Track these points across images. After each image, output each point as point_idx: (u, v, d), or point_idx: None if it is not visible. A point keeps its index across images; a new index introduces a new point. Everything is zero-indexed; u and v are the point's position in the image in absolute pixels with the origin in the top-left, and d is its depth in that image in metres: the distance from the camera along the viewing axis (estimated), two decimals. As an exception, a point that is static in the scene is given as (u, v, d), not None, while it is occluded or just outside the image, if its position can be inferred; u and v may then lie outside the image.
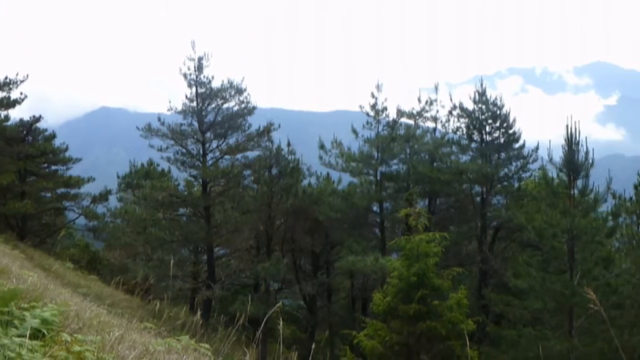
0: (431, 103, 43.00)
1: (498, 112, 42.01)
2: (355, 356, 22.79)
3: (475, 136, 42.39)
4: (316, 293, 42.52)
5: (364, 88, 49.35)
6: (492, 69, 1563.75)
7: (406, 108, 42.94)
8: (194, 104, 38.59)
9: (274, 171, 40.79)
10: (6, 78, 40.89)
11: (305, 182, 43.21)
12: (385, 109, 41.91)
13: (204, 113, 38.82)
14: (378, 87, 41.86)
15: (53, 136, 45.06)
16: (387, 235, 41.43)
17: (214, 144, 39.97)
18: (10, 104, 41.67)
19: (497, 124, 42.03)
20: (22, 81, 41.60)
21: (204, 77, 38.45)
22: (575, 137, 30.63)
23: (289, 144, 41.73)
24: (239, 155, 40.05)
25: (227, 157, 40.13)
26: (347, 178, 43.61)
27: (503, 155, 42.25)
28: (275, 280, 41.72)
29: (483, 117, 41.90)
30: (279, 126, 41.16)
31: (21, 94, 41.67)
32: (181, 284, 40.64)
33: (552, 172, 32.67)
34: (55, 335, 6.65)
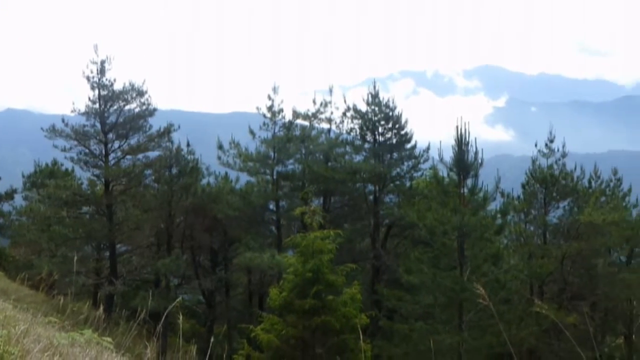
0: (326, 105, 43.35)
1: (390, 113, 42.49)
2: (253, 349, 22.78)
3: (369, 137, 42.82)
4: (215, 288, 42.55)
5: (260, 90, 49.48)
6: (384, 72, 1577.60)
7: (301, 110, 43.34)
8: (97, 105, 38.23)
9: (174, 171, 40.93)
10: None
11: (204, 181, 43.23)
12: (281, 110, 42.20)
13: (106, 114, 38.49)
14: (274, 90, 42.11)
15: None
16: (283, 232, 41.71)
17: (116, 144, 39.65)
18: None
19: (390, 125, 42.51)
20: None
21: (106, 79, 38.12)
22: (465, 138, 31.06)
23: (188, 145, 41.92)
24: (140, 155, 39.80)
25: (128, 157, 39.84)
26: (244, 177, 43.70)
27: (395, 155, 42.77)
28: (175, 276, 41.81)
29: (376, 118, 42.35)
30: (179, 127, 41.08)
31: None
32: (84, 280, 40.19)
33: (443, 172, 33.14)
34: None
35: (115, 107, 38.92)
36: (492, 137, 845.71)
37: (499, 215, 35.81)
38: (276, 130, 41.92)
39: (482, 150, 31.96)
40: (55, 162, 51.84)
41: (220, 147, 42.18)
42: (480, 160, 31.38)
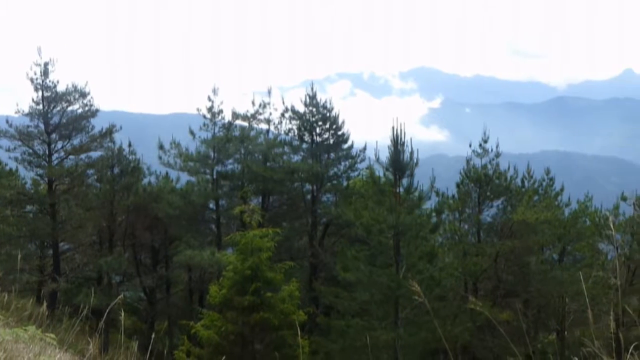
0: (264, 106, 43.37)
1: (328, 114, 42.68)
2: (193, 345, 22.84)
3: (306, 137, 42.96)
4: (156, 285, 42.55)
5: (200, 91, 49.50)
6: (322, 74, 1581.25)
7: (241, 111, 43.23)
8: (40, 107, 37.98)
9: (116, 170, 40.83)
10: None
11: (145, 180, 43.15)
12: (221, 111, 42.17)
13: (49, 115, 38.24)
14: (214, 91, 42.06)
15: None
16: (223, 231, 41.66)
17: (59, 144, 39.39)
18: None
19: (327, 125, 42.69)
20: None
21: (49, 81, 37.88)
22: (401, 138, 31.11)
23: (129, 145, 41.81)
24: (82, 156, 39.63)
25: (71, 157, 39.63)
26: (185, 177, 43.65)
27: (332, 155, 42.95)
28: (117, 274, 41.58)
29: (314, 119, 42.52)
30: (121, 128, 41.04)
31: None
32: (28, 277, 40.12)
33: (379, 171, 33.22)
34: None
35: (58, 108, 38.69)
36: (427, 137, 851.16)
37: (434, 214, 36.17)
38: (216, 131, 41.89)
39: (418, 150, 32.06)
40: (-1, 162, 51.49)
41: (161, 147, 42.12)
42: (415, 160, 31.50)
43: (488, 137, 39.50)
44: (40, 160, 39.10)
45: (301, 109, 42.78)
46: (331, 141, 42.81)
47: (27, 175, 42.96)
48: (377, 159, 31.90)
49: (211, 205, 43.17)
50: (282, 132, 43.43)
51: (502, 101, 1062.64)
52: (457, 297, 36.94)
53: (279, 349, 22.17)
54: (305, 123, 42.59)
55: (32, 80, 37.97)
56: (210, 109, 41.91)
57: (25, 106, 38.38)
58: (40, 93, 38.09)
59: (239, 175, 42.08)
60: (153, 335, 13.63)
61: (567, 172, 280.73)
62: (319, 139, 42.73)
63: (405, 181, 31.77)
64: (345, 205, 38.47)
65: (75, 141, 39.64)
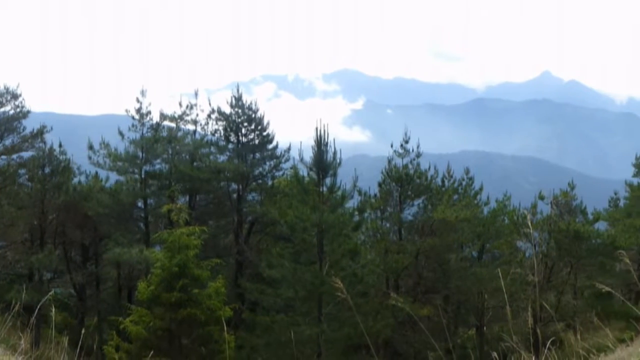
0: (191, 107, 43.39)
1: (253, 115, 42.87)
2: (122, 340, 22.78)
3: (232, 138, 43.07)
4: (86, 282, 42.38)
5: (130, 93, 49.38)
6: (247, 76, 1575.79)
7: (168, 112, 43.24)
8: (-28, 108, 37.82)
9: (47, 170, 40.54)
10: None
11: (75, 180, 42.99)
12: (149, 112, 42.12)
13: (-19, 116, 38.11)
14: (142, 93, 42.00)
15: None
16: (151, 229, 41.65)
17: (-9, 145, 39.30)
18: None
19: (252, 126, 42.88)
20: None
21: (-19, 83, 37.72)
22: (324, 139, 31.41)
23: (60, 145, 41.55)
24: (14, 156, 39.49)
25: (3, 157, 39.46)
26: (114, 176, 43.49)
27: (258, 155, 43.13)
28: (48, 271, 41.40)
29: (239, 120, 42.66)
30: (51, 128, 40.96)
31: None
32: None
33: (303, 171, 33.40)
34: None
35: (-10, 109, 38.51)
36: (350, 138, 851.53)
37: (356, 213, 36.33)
38: (144, 132, 41.80)
39: (341, 150, 32.39)
40: None
41: (91, 147, 41.89)
42: (338, 160, 31.81)
43: (409, 138, 39.83)
44: (-28, 160, 38.85)
45: (227, 110, 42.94)
46: (256, 142, 43.00)
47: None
48: (301, 159, 32.17)
49: (139, 204, 43.07)
50: (209, 132, 43.54)
51: (423, 103, 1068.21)
52: (379, 294, 37.11)
53: (206, 344, 22.26)
54: (231, 124, 42.71)
55: (-35, 82, 37.69)
56: (138, 110, 41.82)
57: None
58: (-28, 95, 37.84)
59: (166, 175, 42.04)
60: (83, 331, 13.77)
61: (486, 171, 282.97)
62: (244, 139, 42.89)
63: (328, 180, 32.05)
64: (270, 204, 38.72)
65: (7, 142, 39.48)
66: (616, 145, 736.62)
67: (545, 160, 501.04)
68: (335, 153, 31.72)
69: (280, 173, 44.17)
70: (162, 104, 50.26)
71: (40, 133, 39.88)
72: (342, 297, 8.48)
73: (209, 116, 43.30)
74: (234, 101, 42.88)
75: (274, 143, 43.44)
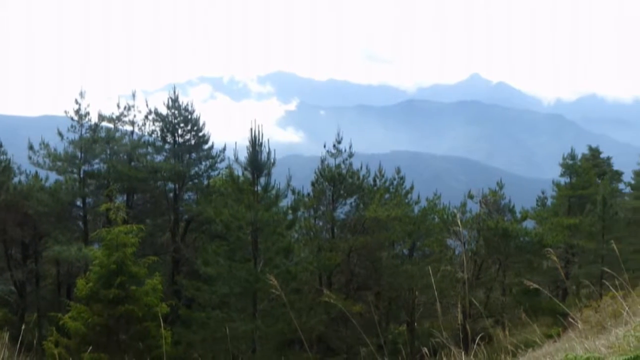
0: (129, 109, 43.22)
1: (189, 117, 42.84)
2: (61, 336, 22.76)
3: (169, 138, 42.98)
4: (26, 279, 42.09)
5: (69, 94, 49.09)
6: (184, 78, 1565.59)
7: (107, 113, 43.10)
8: None
9: (-12, 170, 40.31)
10: None
11: (15, 179, 42.63)
12: (88, 113, 41.94)
13: None
14: (81, 94, 41.79)
15: None
16: (90, 227, 41.42)
17: None
18: None
19: (189, 127, 42.85)
20: None
21: None
22: (259, 139, 31.62)
23: (0, 145, 41.50)
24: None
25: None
26: (53, 176, 43.27)
27: (194, 155, 43.11)
28: (-12, 268, 41.22)
29: (176, 121, 42.59)
30: (-8, 130, 40.87)
31: None
32: None
33: (238, 171, 33.63)
34: None
35: None
36: (284, 138, 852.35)
37: (290, 211, 36.64)
38: (83, 132, 41.62)
39: (275, 150, 32.65)
40: None
41: (31, 147, 41.60)
42: (272, 160, 32.06)
43: (341, 138, 40.05)
44: None
45: (164, 111, 42.85)
46: (192, 142, 43.00)
47: None
48: (236, 159, 32.36)
49: (78, 203, 42.90)
50: (146, 133, 43.43)
51: (355, 104, 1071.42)
52: (312, 290, 37.29)
53: (143, 339, 22.33)
54: (168, 125, 42.66)
55: None
56: (77, 112, 41.63)
57: None
58: None
59: (104, 175, 41.90)
60: (23, 327, 13.80)
61: (417, 171, 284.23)
62: (180, 140, 42.86)
63: (262, 180, 32.31)
64: (206, 203, 38.66)
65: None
66: (543, 145, 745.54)
67: (474, 160, 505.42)
68: (269, 153, 31.98)
69: (216, 173, 44.16)
70: (100, 105, 50.12)
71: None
72: (276, 293, 8.66)
73: (146, 117, 43.23)
74: (170, 102, 42.85)
75: (210, 143, 43.48)
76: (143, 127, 43.53)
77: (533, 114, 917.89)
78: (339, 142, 40.02)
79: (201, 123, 43.23)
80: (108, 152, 41.95)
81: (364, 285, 40.75)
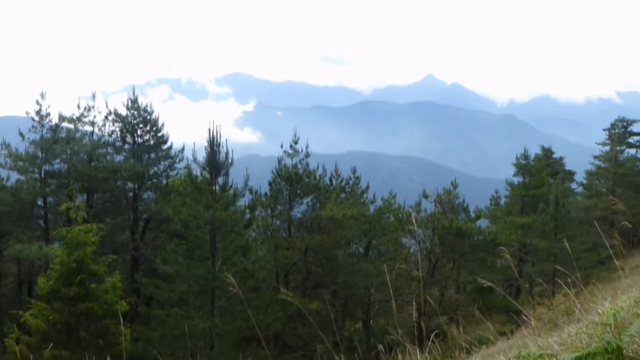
0: (89, 109, 43.27)
1: (148, 117, 42.89)
2: (22, 334, 22.77)
3: (128, 139, 42.97)
4: (-13, 278, 42.05)
5: (30, 95, 49.00)
6: (143, 79, 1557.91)
7: (67, 114, 43.13)
8: None
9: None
10: None
11: (-24, 179, 42.55)
12: (48, 114, 42.11)
13: None
14: (42, 95, 41.89)
15: None
16: (50, 226, 41.48)
17: None
18: None
19: (148, 128, 42.89)
20: None
21: None
22: (217, 140, 31.73)
23: (-40, 146, 41.22)
24: None
25: None
26: (14, 176, 43.11)
27: (153, 155, 43.16)
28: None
29: (135, 122, 42.60)
30: (-47, 130, 40.57)
31: None
32: None
33: (197, 171, 33.66)
34: None
35: None
36: (241, 139, 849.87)
37: (247, 211, 36.69)
38: (44, 133, 41.71)
39: (232, 151, 32.76)
40: None
41: (-7, 148, 41.61)
42: (230, 160, 32.18)
43: (298, 139, 40.13)
44: None
45: (123, 112, 42.86)
46: (151, 142, 43.07)
47: None
48: (195, 159, 32.47)
49: (39, 202, 42.97)
50: (106, 134, 43.43)
51: (312, 105, 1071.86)
52: (270, 288, 37.37)
53: (103, 336, 22.37)
54: (127, 125, 42.65)
55: None
56: (38, 112, 41.72)
57: None
58: None
59: (65, 174, 41.91)
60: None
61: (372, 171, 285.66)
62: (140, 140, 42.89)
63: (220, 180, 32.42)
64: (165, 202, 38.72)
65: None
66: (497, 145, 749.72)
67: (428, 160, 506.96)
68: (227, 153, 32.10)
69: (175, 173, 44.22)
70: (61, 106, 49.90)
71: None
72: (234, 291, 8.64)
73: (106, 118, 43.23)
74: (130, 103, 42.85)
75: (169, 144, 43.56)
76: (103, 128, 43.58)
77: (486, 114, 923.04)
78: (296, 142, 40.12)
79: (160, 124, 43.32)
80: (68, 152, 41.95)
81: (321, 283, 40.80)
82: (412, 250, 45.24)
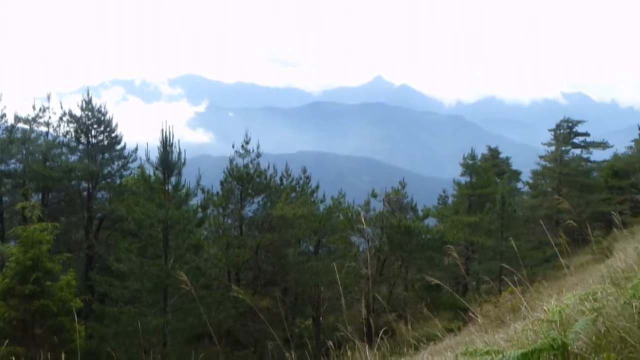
0: (44, 110, 42.98)
1: (102, 118, 42.70)
2: (-22, 331, 22.73)
3: (83, 139, 42.74)
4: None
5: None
6: (97, 81, 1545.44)
7: (22, 114, 42.83)
8: None
9: None
10: None
11: None
12: (4, 115, 41.87)
13: None
14: (-3, 96, 41.62)
15: None
16: (6, 225, 41.01)
17: None
18: None
19: (102, 128, 42.72)
20: None
21: None
22: (169, 140, 31.69)
23: None
24: None
25: None
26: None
27: (107, 155, 43.00)
28: None
29: (89, 122, 42.40)
30: None
31: None
32: None
33: (150, 170, 33.57)
34: None
35: None
36: (194, 139, 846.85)
37: (199, 210, 36.65)
38: (0, 133, 41.36)
39: (185, 151, 32.76)
40: None
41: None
42: (183, 160, 32.18)
43: (249, 139, 40.22)
44: None
45: (78, 113, 42.62)
46: (105, 143, 42.89)
47: None
48: (148, 159, 32.43)
49: (-5, 202, 42.60)
50: (61, 134, 43.16)
51: (263, 106, 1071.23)
52: (221, 286, 37.30)
53: (58, 333, 22.42)
54: (82, 126, 42.44)
55: None
56: (-6, 113, 41.45)
57: None
58: None
59: (20, 174, 41.59)
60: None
61: (323, 171, 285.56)
62: (94, 140, 42.70)
63: (173, 179, 32.42)
64: (119, 201, 38.53)
65: None
66: (444, 145, 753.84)
67: (378, 160, 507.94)
68: (179, 153, 32.10)
69: (128, 172, 44.02)
70: (16, 107, 49.53)
71: None
72: (187, 289, 8.68)
73: (60, 119, 42.97)
74: (84, 104, 42.65)
75: (122, 144, 43.39)
76: (58, 128, 43.32)
77: (434, 115, 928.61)
78: (247, 143, 40.22)
79: (114, 124, 43.15)
80: (24, 152, 41.67)
81: (271, 281, 40.81)
82: (361, 249, 45.39)
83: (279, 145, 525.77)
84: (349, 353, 8.30)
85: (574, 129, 71.08)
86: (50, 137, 43.20)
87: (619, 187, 68.17)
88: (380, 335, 8.74)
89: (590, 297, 5.85)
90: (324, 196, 43.60)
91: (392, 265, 45.92)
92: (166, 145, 31.68)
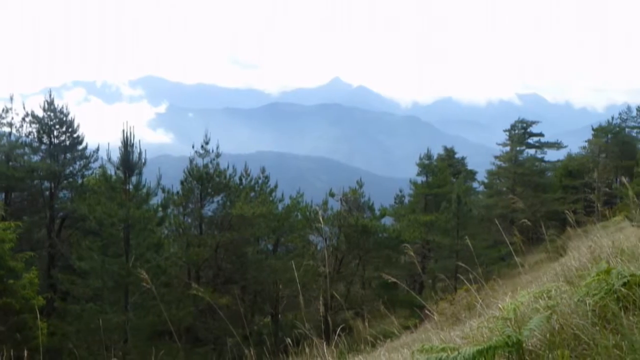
0: (7, 111, 42.67)
1: (64, 119, 42.44)
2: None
3: (45, 139, 42.48)
4: None
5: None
6: (59, 82, 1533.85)
7: (-16, 116, 42.66)
8: None
9: None
10: None
11: None
12: (-32, 116, 41.58)
13: None
14: (-39, 97, 41.37)
15: None
16: (-31, 224, 40.91)
17: None
18: None
19: (64, 129, 42.46)
20: None
21: None
22: (130, 140, 31.81)
23: None
24: None
25: None
26: None
27: (69, 155, 42.72)
28: None
29: (51, 123, 42.15)
30: None
31: None
32: None
33: (111, 170, 33.76)
34: None
35: None
36: (154, 140, 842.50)
37: (160, 209, 36.71)
38: (-38, 135, 41.20)
39: (146, 151, 32.91)
40: None
41: None
42: (143, 160, 32.32)
43: (209, 139, 40.31)
44: None
45: (40, 114, 42.36)
46: (67, 143, 42.63)
47: None
48: (109, 159, 32.49)
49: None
50: (23, 134, 42.87)
51: (222, 107, 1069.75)
52: (181, 284, 37.31)
53: (20, 331, 22.36)
54: (44, 127, 42.18)
55: None
56: (-43, 114, 41.16)
57: None
58: None
59: (-17, 175, 41.43)
60: None
61: (281, 170, 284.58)
62: (56, 141, 42.45)
63: (134, 179, 32.58)
64: (80, 200, 38.41)
65: None
66: (401, 146, 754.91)
67: (335, 160, 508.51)
68: (140, 153, 32.26)
69: (90, 172, 43.80)
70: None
71: None
72: (147, 287, 8.72)
73: (23, 119, 42.70)
74: (46, 105, 42.42)
75: (84, 144, 43.14)
76: (20, 129, 43.03)
77: (391, 116, 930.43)
78: (207, 143, 40.32)
79: (76, 125, 42.89)
80: (-14, 153, 41.44)
81: (231, 279, 40.89)
82: (319, 247, 45.66)
83: (238, 146, 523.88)
84: (307, 350, 8.35)
85: (529, 130, 71.92)
86: (13, 138, 42.92)
87: (573, 186, 69.11)
88: (337, 332, 8.81)
89: (545, 295, 5.93)
90: (282, 196, 43.85)
91: (349, 264, 46.17)
92: (127, 145, 31.74)
